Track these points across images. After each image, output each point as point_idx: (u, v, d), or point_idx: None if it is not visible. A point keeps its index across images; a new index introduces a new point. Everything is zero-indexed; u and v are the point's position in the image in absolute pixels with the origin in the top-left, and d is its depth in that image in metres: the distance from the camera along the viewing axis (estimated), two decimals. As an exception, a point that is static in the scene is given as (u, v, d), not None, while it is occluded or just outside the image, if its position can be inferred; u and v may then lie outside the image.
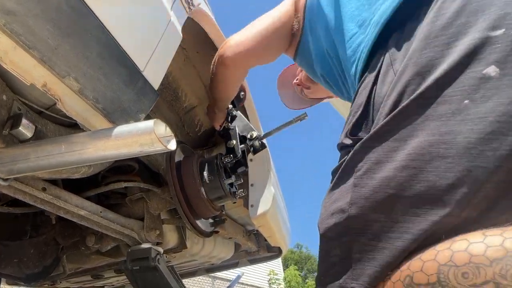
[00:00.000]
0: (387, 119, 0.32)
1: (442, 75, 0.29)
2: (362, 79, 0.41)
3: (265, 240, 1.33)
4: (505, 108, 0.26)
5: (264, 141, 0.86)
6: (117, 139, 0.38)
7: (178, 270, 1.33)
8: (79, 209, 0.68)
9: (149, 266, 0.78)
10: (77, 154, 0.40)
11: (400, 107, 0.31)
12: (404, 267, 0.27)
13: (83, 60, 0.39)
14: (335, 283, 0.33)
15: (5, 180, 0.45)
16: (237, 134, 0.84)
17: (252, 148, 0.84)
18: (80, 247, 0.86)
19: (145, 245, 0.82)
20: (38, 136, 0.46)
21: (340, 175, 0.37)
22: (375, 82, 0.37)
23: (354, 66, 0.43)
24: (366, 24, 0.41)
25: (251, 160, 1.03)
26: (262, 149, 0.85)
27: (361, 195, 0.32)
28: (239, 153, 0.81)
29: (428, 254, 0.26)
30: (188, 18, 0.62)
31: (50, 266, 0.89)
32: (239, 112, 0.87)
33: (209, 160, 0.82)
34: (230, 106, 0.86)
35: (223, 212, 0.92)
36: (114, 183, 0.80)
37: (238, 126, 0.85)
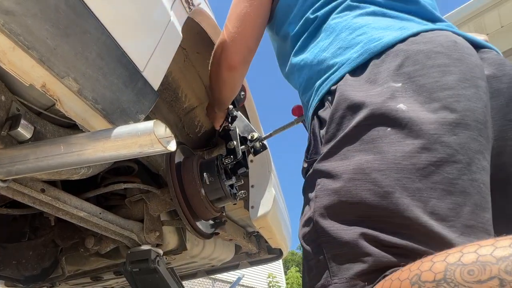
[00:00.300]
0: (333, 142, 0.42)
1: (369, 109, 0.39)
2: (311, 119, 0.51)
3: (266, 242, 1.32)
4: (416, 133, 0.36)
5: (265, 142, 0.86)
6: (117, 140, 0.38)
7: (178, 272, 1.32)
8: (78, 210, 0.68)
9: (149, 268, 0.77)
10: (76, 155, 0.39)
11: (343, 133, 0.41)
12: (414, 267, 0.30)
13: (82, 60, 0.39)
14: (317, 285, 0.39)
15: (4, 181, 0.45)
16: (238, 135, 0.83)
17: (252, 150, 0.84)
18: (79, 249, 0.85)
19: (144, 247, 0.81)
20: (37, 137, 0.46)
21: (307, 192, 0.45)
22: (316, 118, 0.49)
23: (308, 105, 0.54)
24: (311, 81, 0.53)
25: (251, 161, 1.03)
26: (262, 151, 0.85)
27: (321, 204, 0.40)
28: (240, 154, 0.81)
29: (439, 256, 0.29)
30: (188, 18, 0.61)
31: (49, 268, 0.88)
32: (239, 112, 0.87)
33: (210, 161, 0.81)
34: (231, 106, 0.85)
35: (224, 214, 0.92)
36: (113, 184, 0.80)
37: (238, 127, 0.84)
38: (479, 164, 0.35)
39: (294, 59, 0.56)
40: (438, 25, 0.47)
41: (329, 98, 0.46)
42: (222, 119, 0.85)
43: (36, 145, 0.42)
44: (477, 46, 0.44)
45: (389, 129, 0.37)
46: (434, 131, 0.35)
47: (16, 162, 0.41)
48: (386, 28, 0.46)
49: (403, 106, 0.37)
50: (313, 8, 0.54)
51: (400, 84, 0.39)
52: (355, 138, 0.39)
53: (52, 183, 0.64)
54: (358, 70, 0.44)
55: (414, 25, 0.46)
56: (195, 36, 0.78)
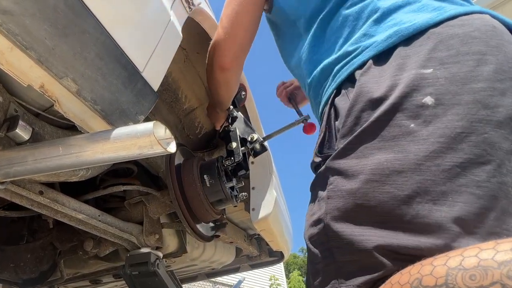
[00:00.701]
0: (350, 138, 0.38)
1: (390, 103, 0.36)
2: (323, 106, 0.47)
3: (267, 245, 1.31)
4: (442, 131, 0.33)
5: (266, 143, 0.85)
6: (116, 141, 0.38)
7: (178, 275, 1.31)
8: (77, 213, 0.67)
9: (148, 271, 0.77)
10: (74, 157, 0.39)
11: (360, 128, 0.37)
12: (414, 270, 0.29)
13: (81, 60, 0.39)
14: None
15: (2, 183, 0.44)
16: (238, 136, 0.83)
17: (252, 152, 0.83)
18: (78, 251, 0.84)
19: (144, 250, 0.81)
20: (35, 139, 0.46)
21: (316, 189, 0.43)
22: (332, 106, 0.45)
23: (317, 95, 0.51)
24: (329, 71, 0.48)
25: (252, 162, 1.02)
26: (262, 152, 0.84)
27: (334, 205, 0.38)
28: (240, 156, 0.80)
29: (439, 260, 0.28)
30: (188, 18, 0.61)
31: (47, 271, 0.87)
32: (239, 113, 0.86)
33: (210, 163, 0.81)
34: (231, 107, 0.85)
35: (224, 216, 0.91)
36: (112, 186, 0.79)
37: (238, 128, 0.84)
38: (510, 165, 0.32)
39: (307, 49, 0.51)
40: (475, 7, 0.41)
41: (348, 86, 0.42)
42: (224, 119, 0.84)
43: (35, 146, 0.41)
44: None
45: (412, 125, 0.34)
46: (462, 129, 0.33)
47: (14, 163, 0.41)
48: (418, 10, 0.41)
49: (430, 100, 0.34)
50: None
51: (431, 70, 0.35)
52: (374, 134, 0.36)
53: (51, 185, 0.63)
54: (383, 55, 0.40)
55: (451, 6, 0.41)
56: (196, 36, 0.78)
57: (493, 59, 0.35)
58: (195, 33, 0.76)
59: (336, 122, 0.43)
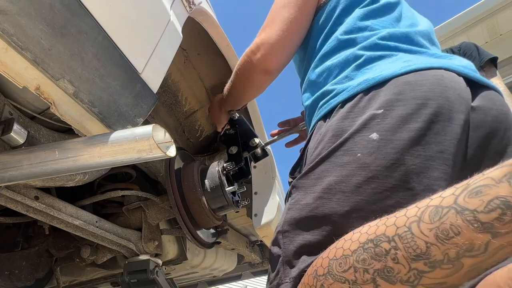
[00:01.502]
0: (312, 164, 0.48)
1: (346, 137, 0.46)
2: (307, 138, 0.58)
3: (269, 251, 1.28)
4: (380, 161, 0.42)
5: (268, 147, 0.84)
6: (114, 145, 0.37)
7: (178, 283, 1.29)
8: (74, 218, 0.66)
9: (147, 278, 0.75)
10: (71, 161, 0.38)
11: (320, 156, 0.48)
12: (314, 263, 0.38)
13: (78, 61, 0.38)
14: (273, 284, 0.46)
15: (-5, 188, 0.43)
16: (239, 140, 0.81)
17: (253, 156, 0.82)
18: (75, 259, 0.83)
19: (143, 257, 0.79)
20: (31, 142, 0.45)
21: (285, 206, 0.52)
22: (309, 140, 0.56)
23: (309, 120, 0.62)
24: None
25: (254, 167, 1.01)
26: (263, 158, 0.83)
27: (291, 216, 0.46)
28: (242, 160, 0.79)
29: (325, 253, 0.38)
30: (189, 17, 0.61)
31: (43, 279, 0.86)
32: (241, 116, 0.85)
33: (211, 168, 0.79)
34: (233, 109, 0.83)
35: (225, 222, 0.89)
36: (110, 191, 0.78)
37: (240, 131, 0.83)
38: (438, 189, 0.39)
39: (312, 76, 0.60)
40: (439, 63, 0.49)
41: (323, 122, 0.53)
42: (226, 121, 0.83)
43: (30, 150, 0.40)
44: (477, 83, 0.48)
45: (359, 154, 0.43)
46: (395, 161, 0.41)
47: (8, 168, 0.40)
48: (393, 62, 0.51)
49: (375, 136, 0.43)
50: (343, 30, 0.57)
51: (382, 110, 0.45)
52: (330, 161, 0.46)
53: (47, 190, 0.62)
54: (353, 97, 0.49)
55: (419, 59, 0.50)
56: (196, 36, 0.77)
57: (434, 103, 0.43)
58: (195, 34, 0.76)
59: (307, 152, 0.54)
